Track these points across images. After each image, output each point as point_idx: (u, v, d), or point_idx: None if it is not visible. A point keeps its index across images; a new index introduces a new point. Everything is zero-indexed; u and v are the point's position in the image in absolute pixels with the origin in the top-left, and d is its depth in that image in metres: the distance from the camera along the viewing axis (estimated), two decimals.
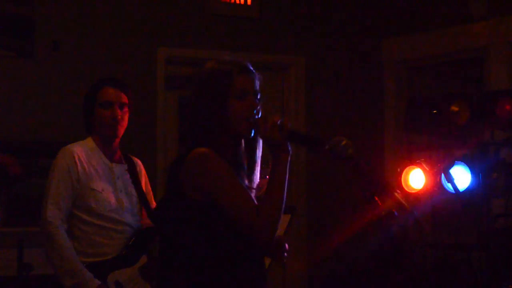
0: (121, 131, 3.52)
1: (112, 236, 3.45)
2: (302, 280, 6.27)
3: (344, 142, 2.35)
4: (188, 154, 2.42)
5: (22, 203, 5.03)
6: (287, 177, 2.41)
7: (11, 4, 5.31)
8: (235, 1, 6.05)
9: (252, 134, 2.49)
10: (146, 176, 3.70)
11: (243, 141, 2.54)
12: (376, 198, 2.29)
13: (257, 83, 2.51)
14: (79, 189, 3.41)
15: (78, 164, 3.42)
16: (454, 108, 4.79)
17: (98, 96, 3.49)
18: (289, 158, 2.42)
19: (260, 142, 2.54)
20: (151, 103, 5.72)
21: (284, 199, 2.38)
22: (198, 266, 2.39)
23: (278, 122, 2.39)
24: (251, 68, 2.52)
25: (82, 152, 3.45)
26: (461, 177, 4.58)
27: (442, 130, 4.95)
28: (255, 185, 2.54)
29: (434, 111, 4.85)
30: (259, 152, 2.56)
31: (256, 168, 2.56)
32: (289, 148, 2.42)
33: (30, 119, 5.35)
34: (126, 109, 3.52)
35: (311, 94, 6.36)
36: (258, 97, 2.49)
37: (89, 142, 3.52)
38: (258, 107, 2.47)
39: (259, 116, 2.46)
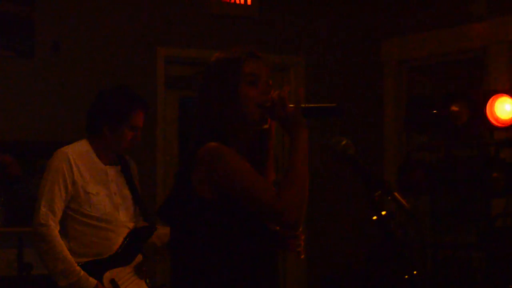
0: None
1: (107, 236, 3.47)
2: (302, 280, 6.27)
3: (344, 142, 2.35)
4: (197, 150, 2.31)
5: (22, 203, 5.03)
6: (306, 155, 2.29)
7: (11, 4, 5.31)
8: (235, 1, 6.05)
9: (267, 123, 2.38)
10: (137, 175, 3.71)
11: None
12: (376, 198, 2.29)
13: (267, 69, 2.40)
14: (74, 192, 3.42)
15: (74, 167, 3.42)
16: (454, 108, 4.79)
17: (130, 117, 3.49)
18: (305, 135, 2.30)
19: (273, 133, 2.43)
20: (151, 103, 5.67)
21: (307, 179, 2.27)
22: (209, 265, 2.31)
23: (288, 96, 2.30)
24: (259, 54, 2.41)
25: (77, 155, 3.46)
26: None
27: (442, 130, 4.95)
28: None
29: (434, 111, 4.85)
30: (271, 144, 2.45)
31: (269, 161, 2.44)
32: (304, 123, 2.31)
33: (30, 119, 5.35)
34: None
35: (311, 94, 6.36)
36: (270, 83, 2.38)
37: (84, 144, 3.52)
38: (271, 93, 2.35)
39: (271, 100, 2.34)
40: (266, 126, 2.39)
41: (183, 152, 2.50)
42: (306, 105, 2.33)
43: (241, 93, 2.33)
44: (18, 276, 4.18)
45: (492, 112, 4.59)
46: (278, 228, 2.45)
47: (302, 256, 2.55)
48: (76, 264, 3.35)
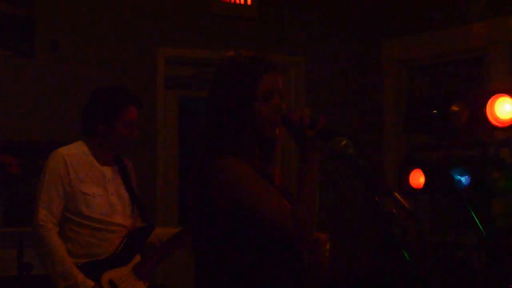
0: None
1: (104, 237, 3.47)
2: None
3: (344, 142, 2.34)
4: (212, 163, 2.29)
5: (22, 203, 5.03)
6: (317, 175, 2.33)
7: (11, 4, 5.31)
8: (235, 1, 6.06)
9: (276, 135, 2.38)
10: (135, 176, 3.71)
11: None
12: (376, 198, 2.28)
13: (281, 79, 2.38)
14: (71, 193, 3.42)
15: (70, 168, 3.42)
16: (454, 108, 4.79)
17: (123, 113, 3.49)
18: (318, 157, 2.32)
19: (281, 140, 2.42)
20: (151, 103, 5.71)
21: (317, 199, 2.30)
22: (229, 274, 2.30)
23: (309, 119, 2.29)
24: (276, 64, 2.37)
25: (73, 156, 3.46)
26: (461, 176, 4.57)
27: (442, 130, 4.94)
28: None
29: (434, 111, 4.84)
30: (279, 150, 2.44)
31: (275, 168, 2.44)
32: (317, 148, 2.31)
33: (30, 119, 5.35)
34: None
35: (311, 94, 6.36)
36: (283, 92, 2.37)
37: (81, 145, 3.52)
38: (284, 107, 2.35)
39: (287, 113, 2.33)
40: (275, 138, 2.40)
41: (193, 159, 2.46)
42: (324, 130, 2.32)
43: (255, 110, 2.32)
44: (18, 276, 4.18)
45: (492, 112, 4.58)
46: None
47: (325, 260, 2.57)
48: (74, 266, 3.35)
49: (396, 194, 2.30)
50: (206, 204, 2.31)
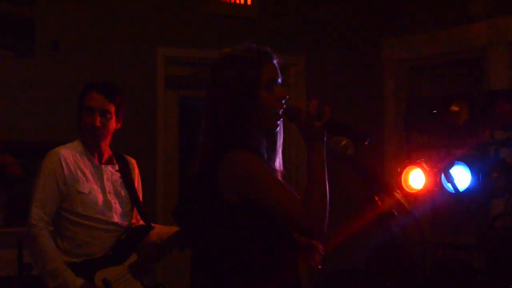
0: (102, 137, 3.50)
1: (100, 236, 3.46)
2: (302, 280, 6.26)
3: (344, 142, 2.34)
4: (223, 156, 2.29)
5: (22, 203, 5.02)
6: (325, 166, 2.31)
7: (11, 4, 5.31)
8: (235, 1, 6.06)
9: (278, 126, 2.39)
10: (139, 175, 3.70)
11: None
12: (376, 198, 2.28)
13: (278, 67, 2.41)
14: (66, 192, 3.42)
15: (65, 167, 3.43)
16: (454, 108, 4.78)
17: (84, 100, 3.48)
18: (324, 148, 2.32)
19: (281, 131, 2.44)
20: (151, 103, 5.72)
21: (327, 189, 2.28)
22: (233, 269, 2.31)
23: (316, 111, 2.30)
24: (272, 54, 2.42)
25: (70, 155, 3.46)
26: (461, 177, 4.58)
27: (442, 130, 4.94)
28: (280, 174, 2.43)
29: (434, 111, 4.84)
30: (280, 142, 2.45)
31: (278, 157, 2.45)
32: (324, 138, 2.32)
33: (30, 119, 5.35)
34: (109, 116, 3.47)
35: (311, 94, 6.36)
36: (283, 83, 2.39)
37: (78, 144, 3.53)
38: (287, 96, 2.37)
39: (293, 104, 2.36)
40: (276, 128, 2.41)
41: (195, 154, 2.44)
42: (331, 121, 2.33)
43: (260, 100, 2.34)
44: (18, 276, 4.18)
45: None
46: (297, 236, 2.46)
47: (320, 266, 2.61)
48: (64, 265, 3.35)
49: (396, 194, 2.30)
50: (213, 197, 2.30)
